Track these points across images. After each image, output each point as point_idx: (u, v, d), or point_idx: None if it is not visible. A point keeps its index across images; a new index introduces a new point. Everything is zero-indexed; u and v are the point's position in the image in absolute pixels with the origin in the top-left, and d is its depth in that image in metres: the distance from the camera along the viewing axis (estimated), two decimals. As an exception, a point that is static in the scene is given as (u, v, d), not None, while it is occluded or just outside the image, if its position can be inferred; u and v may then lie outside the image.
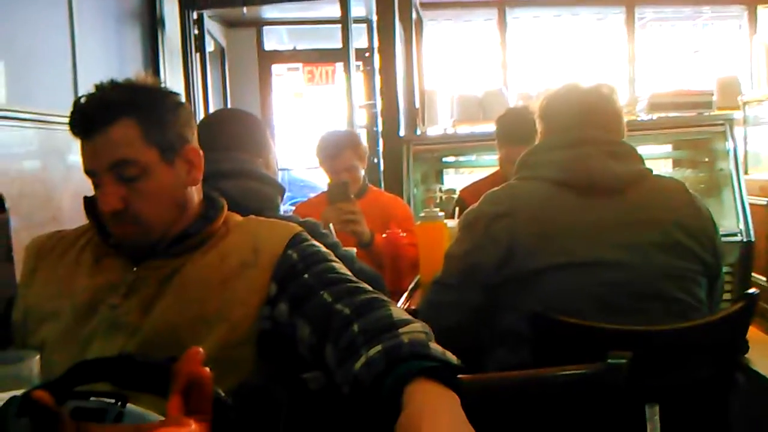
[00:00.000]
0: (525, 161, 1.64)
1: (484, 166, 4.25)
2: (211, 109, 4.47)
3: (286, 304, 1.13)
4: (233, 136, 1.61)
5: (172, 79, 3.71)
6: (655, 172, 1.59)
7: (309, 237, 1.24)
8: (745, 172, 4.45)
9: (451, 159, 4.63)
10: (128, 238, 1.16)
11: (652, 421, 0.47)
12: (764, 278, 4.12)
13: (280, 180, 1.70)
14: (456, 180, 4.70)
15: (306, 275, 1.14)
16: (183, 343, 0.83)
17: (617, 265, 1.43)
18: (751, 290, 1.40)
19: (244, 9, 4.75)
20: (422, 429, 0.74)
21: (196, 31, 4.18)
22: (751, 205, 3.85)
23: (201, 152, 1.23)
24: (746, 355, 1.60)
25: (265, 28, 5.29)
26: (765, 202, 4.13)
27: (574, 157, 1.52)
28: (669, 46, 5.84)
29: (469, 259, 1.54)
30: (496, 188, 1.61)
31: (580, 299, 1.40)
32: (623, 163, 1.54)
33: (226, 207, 1.27)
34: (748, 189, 3.92)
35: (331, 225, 2.08)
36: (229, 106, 4.92)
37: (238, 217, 1.28)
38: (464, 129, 4.69)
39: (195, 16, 4.12)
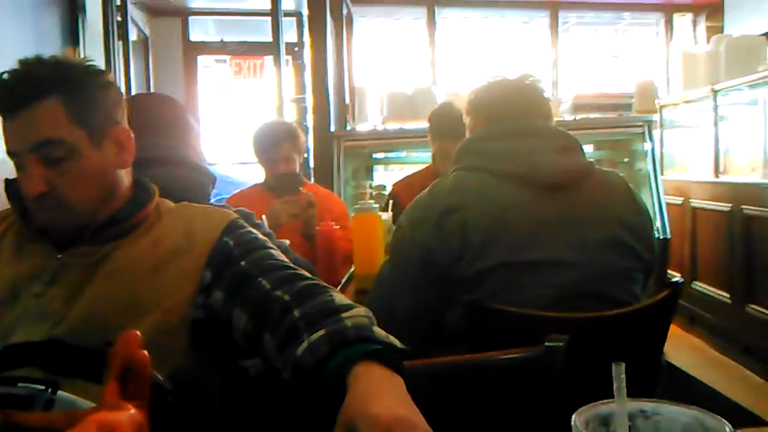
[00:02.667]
0: (467, 148, 1.61)
1: (414, 162, 4.29)
2: (135, 100, 4.33)
3: (221, 292, 1.09)
4: (159, 122, 1.55)
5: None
6: (596, 166, 1.59)
7: (245, 224, 1.21)
8: (662, 173, 4.66)
9: (380, 155, 4.66)
10: (53, 224, 1.10)
11: (618, 380, 0.48)
12: (679, 275, 4.32)
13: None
14: (385, 177, 4.73)
15: (243, 262, 1.11)
16: (112, 332, 0.79)
17: (564, 264, 1.43)
18: (677, 279, 1.46)
19: (171, -3, 4.63)
20: (369, 409, 0.73)
21: (119, 18, 4.03)
22: (667, 204, 4.05)
23: (132, 134, 1.18)
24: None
25: (191, 18, 5.14)
26: (680, 202, 4.33)
27: (522, 150, 1.51)
28: (591, 49, 6.05)
29: (422, 254, 1.49)
30: (441, 180, 1.57)
31: (524, 299, 1.39)
32: (570, 156, 1.54)
33: (157, 192, 1.22)
34: (664, 189, 4.12)
35: (263, 216, 2.05)
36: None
37: (170, 203, 1.23)
38: (394, 126, 4.71)
39: (118, 2, 3.96)
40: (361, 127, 4.83)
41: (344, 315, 0.94)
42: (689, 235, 4.22)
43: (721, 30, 5.58)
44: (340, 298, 1.01)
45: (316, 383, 0.87)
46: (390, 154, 4.67)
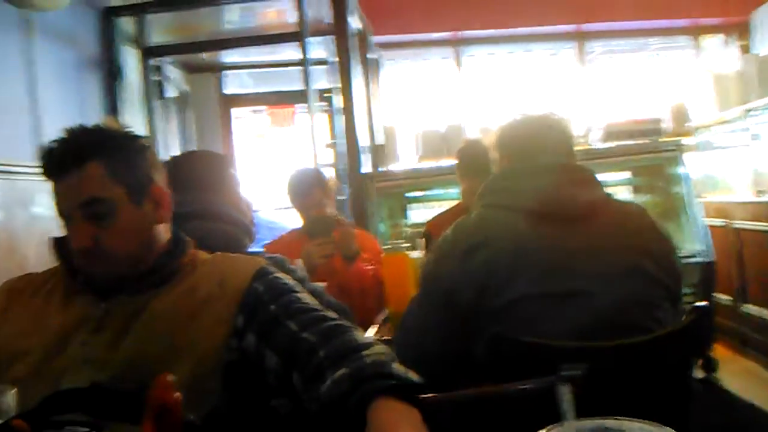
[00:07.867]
0: (491, 187, 1.65)
1: (450, 199, 4.30)
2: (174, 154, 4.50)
3: (253, 335, 1.16)
4: (197, 179, 1.65)
5: (133, 126, 3.73)
6: (615, 197, 1.63)
7: (275, 270, 1.28)
8: (700, 195, 4.59)
9: (416, 194, 4.70)
10: (96, 275, 1.19)
11: (563, 401, 0.52)
12: (729, 297, 4.22)
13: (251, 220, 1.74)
14: (423, 214, 4.75)
15: (272, 306, 1.17)
16: (150, 376, 0.86)
17: (586, 294, 1.44)
18: (702, 303, 1.46)
19: (204, 54, 4.81)
20: None
21: (156, 78, 4.23)
22: (709, 226, 3.98)
23: (168, 192, 1.27)
24: (715, 374, 1.64)
25: (226, 72, 5.34)
26: (722, 224, 4.25)
27: (543, 186, 1.55)
28: (620, 76, 6.04)
29: (448, 289, 1.53)
30: (465, 218, 1.61)
31: (548, 330, 1.41)
32: (587, 189, 1.58)
33: (192, 244, 1.31)
34: (706, 211, 4.05)
35: (299, 261, 2.12)
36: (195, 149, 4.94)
37: (204, 254, 1.31)
38: (430, 164, 4.76)
39: (154, 63, 4.16)
40: (396, 167, 4.90)
41: (364, 353, 1.01)
42: (735, 257, 4.13)
43: (748, 49, 5.54)
44: (362, 336, 1.08)
45: (340, 418, 0.93)
46: (426, 192, 4.70)
